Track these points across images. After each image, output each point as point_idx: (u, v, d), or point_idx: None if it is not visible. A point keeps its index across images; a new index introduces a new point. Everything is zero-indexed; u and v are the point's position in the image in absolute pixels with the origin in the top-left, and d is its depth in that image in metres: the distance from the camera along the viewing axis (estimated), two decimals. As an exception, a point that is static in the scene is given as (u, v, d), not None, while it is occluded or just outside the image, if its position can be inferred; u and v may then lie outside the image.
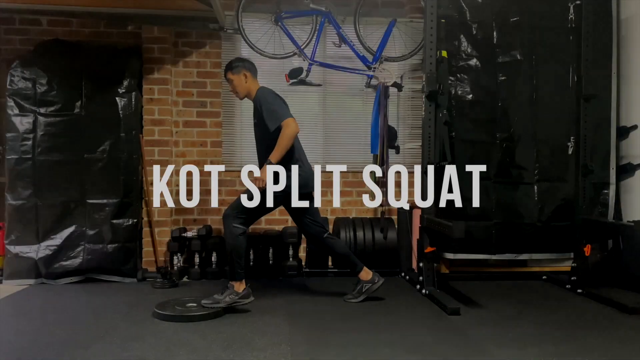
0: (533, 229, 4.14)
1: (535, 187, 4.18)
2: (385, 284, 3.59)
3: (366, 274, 3.56)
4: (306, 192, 3.51)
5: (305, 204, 3.51)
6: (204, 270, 4.32)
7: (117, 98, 4.27)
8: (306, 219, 3.58)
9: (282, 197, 3.42)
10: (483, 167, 4.07)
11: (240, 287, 3.29)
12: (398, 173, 4.83)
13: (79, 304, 3.53)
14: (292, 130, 3.23)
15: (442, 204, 4.09)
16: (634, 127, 4.10)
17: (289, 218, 4.66)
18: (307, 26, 4.57)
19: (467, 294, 3.77)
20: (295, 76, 4.42)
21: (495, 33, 4.16)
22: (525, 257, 4.22)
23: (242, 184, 4.70)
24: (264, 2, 4.56)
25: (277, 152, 3.24)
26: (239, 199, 3.40)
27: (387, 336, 2.83)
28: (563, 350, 2.64)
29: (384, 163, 4.48)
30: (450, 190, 4.00)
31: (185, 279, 4.30)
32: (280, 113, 3.28)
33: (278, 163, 3.27)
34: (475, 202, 4.03)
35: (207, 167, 4.68)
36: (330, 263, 4.49)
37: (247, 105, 4.74)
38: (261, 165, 3.43)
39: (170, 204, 4.46)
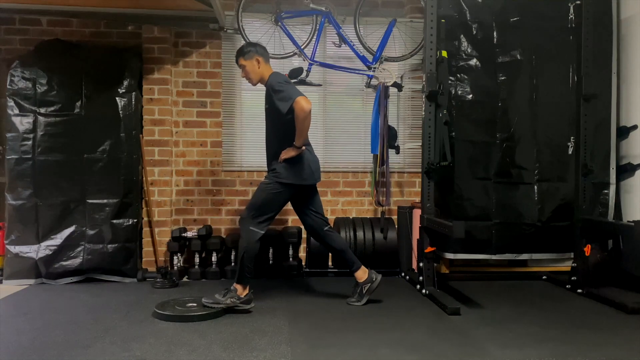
0: (533, 229, 4.14)
1: (536, 187, 4.18)
2: (385, 284, 3.58)
3: (363, 273, 3.50)
4: (313, 181, 3.48)
5: (310, 194, 3.50)
6: (204, 270, 4.32)
7: (117, 98, 4.27)
8: (309, 210, 3.52)
9: (293, 189, 3.39)
10: (483, 167, 4.08)
11: (243, 292, 3.29)
12: (398, 173, 4.85)
13: (79, 304, 3.53)
14: (303, 107, 3.11)
15: (442, 204, 4.11)
16: (634, 127, 4.10)
17: (289, 218, 4.72)
18: (307, 26, 4.57)
19: (467, 294, 3.78)
20: (296, 76, 4.41)
21: (495, 33, 4.16)
22: (526, 257, 4.22)
23: (242, 184, 4.71)
24: (264, 2, 4.56)
25: (299, 134, 3.22)
26: (250, 201, 3.40)
27: (387, 336, 2.83)
28: (563, 350, 2.64)
29: (384, 163, 4.48)
30: (450, 190, 4.00)
31: (185, 279, 4.30)
32: (290, 93, 3.19)
33: (283, 148, 3.29)
34: (476, 202, 4.04)
35: (207, 167, 4.69)
36: (330, 263, 4.49)
37: (247, 105, 4.79)
38: (269, 155, 3.45)
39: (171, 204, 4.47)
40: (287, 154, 3.29)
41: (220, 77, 4.68)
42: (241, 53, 3.42)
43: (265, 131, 3.54)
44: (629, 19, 4.17)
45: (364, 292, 3.49)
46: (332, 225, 4.61)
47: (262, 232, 3.32)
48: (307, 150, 3.39)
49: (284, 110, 3.19)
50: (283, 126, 3.27)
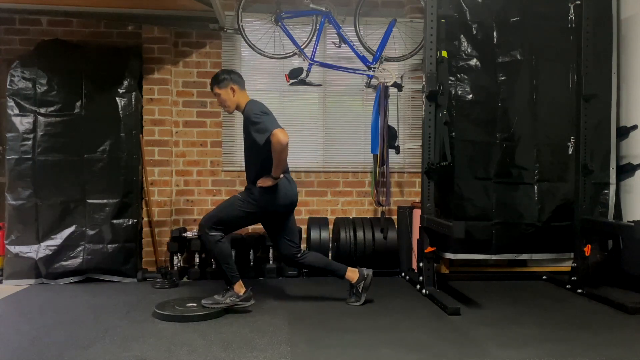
0: (533, 229, 4.14)
1: (536, 187, 4.18)
2: (385, 284, 3.59)
3: (353, 273, 3.50)
4: (285, 210, 3.41)
5: (284, 221, 3.44)
6: (204, 270, 4.31)
7: (117, 98, 4.27)
8: (283, 238, 3.44)
9: (263, 214, 3.37)
10: (483, 167, 4.08)
11: (240, 289, 3.29)
12: (398, 173, 4.85)
13: (79, 304, 3.53)
14: (280, 140, 3.06)
15: (442, 204, 4.11)
16: (634, 127, 4.10)
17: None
18: (307, 26, 4.57)
19: (467, 294, 3.78)
20: (296, 76, 4.42)
21: (495, 33, 4.17)
22: (525, 257, 4.22)
23: (242, 184, 4.70)
24: (264, 2, 4.56)
25: (276, 166, 3.17)
26: (215, 209, 3.39)
27: (387, 336, 2.83)
28: (563, 350, 2.64)
29: (384, 163, 4.48)
30: (450, 190, 4.00)
31: (185, 279, 4.30)
32: (267, 125, 3.15)
33: (261, 174, 3.25)
34: (476, 202, 4.04)
35: (207, 167, 4.69)
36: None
37: (247, 105, 4.78)
38: (248, 178, 3.40)
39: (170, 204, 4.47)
40: (264, 182, 3.24)
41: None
42: (215, 82, 3.36)
43: (244, 154, 3.47)
44: (629, 19, 4.17)
45: (360, 290, 3.50)
46: (332, 225, 4.64)
47: (222, 234, 3.28)
48: (284, 179, 3.33)
49: (260, 142, 3.15)
50: (261, 155, 3.22)
